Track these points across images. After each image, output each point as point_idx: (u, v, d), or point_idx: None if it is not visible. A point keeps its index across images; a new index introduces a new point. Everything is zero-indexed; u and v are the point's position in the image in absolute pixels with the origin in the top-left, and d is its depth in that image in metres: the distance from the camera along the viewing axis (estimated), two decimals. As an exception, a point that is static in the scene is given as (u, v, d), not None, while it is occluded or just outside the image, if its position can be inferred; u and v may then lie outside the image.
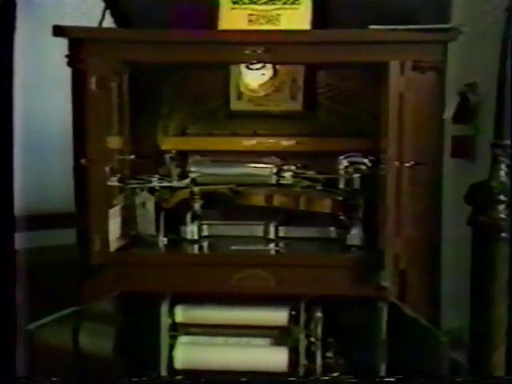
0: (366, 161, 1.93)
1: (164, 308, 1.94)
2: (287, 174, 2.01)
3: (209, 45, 1.82)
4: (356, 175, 1.94)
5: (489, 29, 1.94)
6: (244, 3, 1.91)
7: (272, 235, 2.06)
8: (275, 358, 1.92)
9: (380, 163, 1.90)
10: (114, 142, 1.96)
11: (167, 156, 2.03)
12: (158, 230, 1.98)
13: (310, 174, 2.01)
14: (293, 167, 2.02)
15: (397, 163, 1.79)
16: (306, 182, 2.00)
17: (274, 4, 1.90)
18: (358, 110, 2.03)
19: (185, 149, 2.06)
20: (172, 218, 2.00)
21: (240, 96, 2.04)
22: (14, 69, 1.51)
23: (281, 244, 2.03)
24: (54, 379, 1.52)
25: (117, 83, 1.95)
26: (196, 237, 2.05)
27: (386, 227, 1.79)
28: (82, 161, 1.84)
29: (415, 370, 1.75)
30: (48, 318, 1.68)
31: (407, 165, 1.79)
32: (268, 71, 2.00)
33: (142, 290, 1.88)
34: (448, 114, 1.95)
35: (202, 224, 2.06)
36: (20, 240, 1.58)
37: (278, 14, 1.90)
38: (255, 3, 1.91)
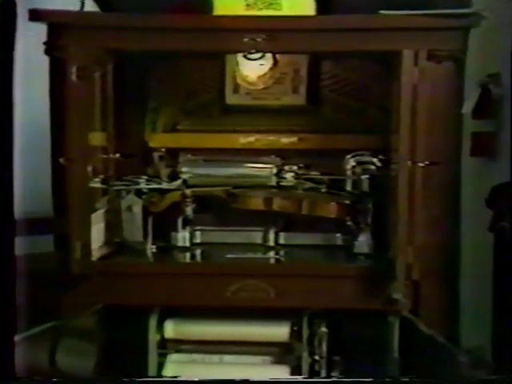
0: (375, 160, 1.91)
1: (152, 323, 1.91)
2: (288, 175, 2.00)
3: (202, 32, 1.79)
4: (364, 176, 1.92)
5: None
6: (241, -14, 1.89)
7: (271, 242, 2.04)
8: (275, 377, 1.81)
9: (391, 163, 1.87)
10: (97, 138, 1.92)
11: (156, 155, 2.02)
12: (145, 236, 1.96)
13: (314, 174, 2.00)
14: (294, 167, 2.01)
15: (409, 163, 1.76)
16: (309, 184, 1.99)
17: (274, -13, 1.89)
18: (367, 103, 2.00)
19: (175, 147, 2.04)
20: (161, 223, 1.99)
21: (236, 89, 2.01)
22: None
23: (281, 252, 2.01)
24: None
25: (100, 74, 1.91)
26: (188, 244, 2.03)
27: (397, 234, 1.76)
28: (61, 160, 1.81)
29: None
30: (21, 335, 1.61)
31: (421, 164, 1.76)
32: (268, 61, 1.97)
33: (127, 303, 1.85)
34: (467, 108, 1.90)
35: (195, 230, 2.05)
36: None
37: (280, -2, 1.88)
38: (254, -14, 1.90)
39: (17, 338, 1.57)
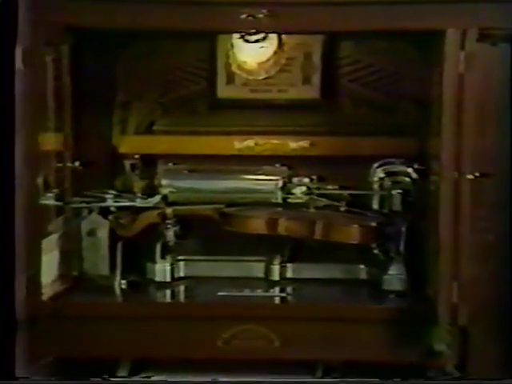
0: (409, 170, 1.91)
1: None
2: (297, 190, 1.98)
3: (187, 5, 1.72)
4: (395, 191, 1.91)
5: None
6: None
7: (276, 276, 2.02)
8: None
9: (430, 174, 1.86)
10: (50, 141, 1.91)
11: (127, 163, 2.02)
12: (113, 268, 1.94)
13: (330, 189, 1.99)
14: (305, 179, 2.00)
15: (455, 174, 1.70)
16: (324, 201, 1.97)
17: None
18: (398, 97, 2.00)
19: (152, 153, 2.04)
20: (134, 251, 1.96)
21: (231, 78, 2.01)
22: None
23: (288, 288, 1.97)
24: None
25: (53, 58, 1.88)
26: (168, 279, 2.01)
27: (438, 265, 1.72)
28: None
29: None
30: None
31: (469, 176, 1.70)
32: (271, 44, 1.95)
33: (88, 355, 1.81)
34: (531, 103, 1.74)
35: (177, 260, 2.02)
36: None
37: (286, -35, 1.80)
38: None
39: None
